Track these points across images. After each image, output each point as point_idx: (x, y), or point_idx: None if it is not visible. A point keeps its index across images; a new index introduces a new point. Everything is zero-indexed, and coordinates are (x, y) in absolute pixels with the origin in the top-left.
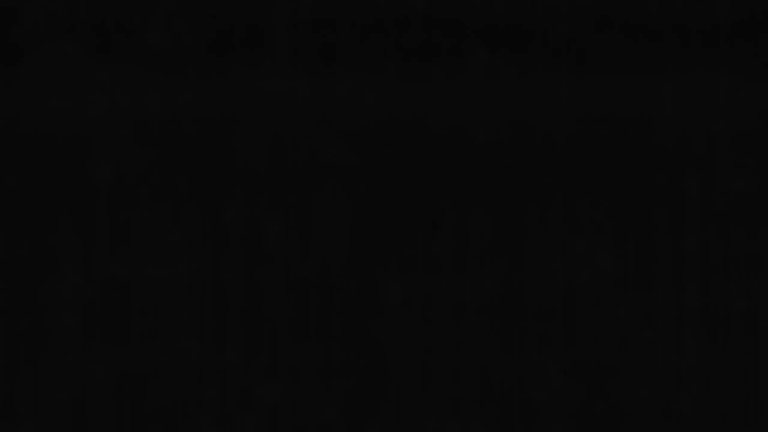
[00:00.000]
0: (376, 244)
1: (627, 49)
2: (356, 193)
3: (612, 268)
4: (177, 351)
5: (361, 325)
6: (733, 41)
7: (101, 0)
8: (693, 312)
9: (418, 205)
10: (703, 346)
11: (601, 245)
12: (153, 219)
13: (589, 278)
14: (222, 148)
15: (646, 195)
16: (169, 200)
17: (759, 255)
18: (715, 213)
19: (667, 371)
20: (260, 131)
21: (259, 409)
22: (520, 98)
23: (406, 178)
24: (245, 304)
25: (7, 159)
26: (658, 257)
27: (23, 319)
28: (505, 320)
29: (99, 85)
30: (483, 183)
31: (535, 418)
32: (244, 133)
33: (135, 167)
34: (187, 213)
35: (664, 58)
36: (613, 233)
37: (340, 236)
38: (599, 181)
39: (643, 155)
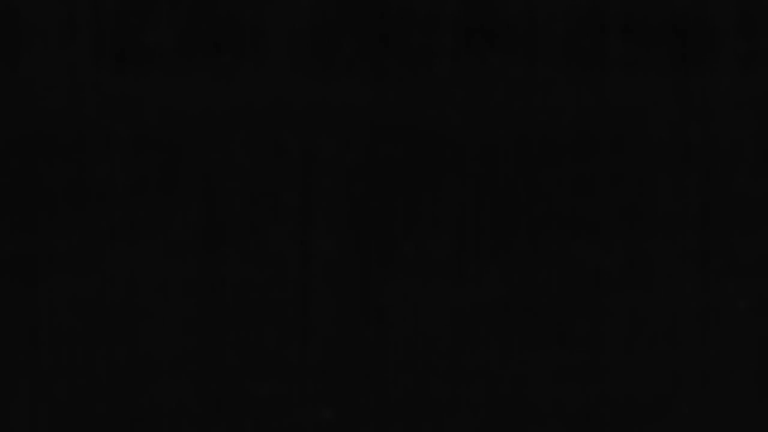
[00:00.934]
0: (376, 244)
1: (627, 49)
2: (356, 193)
3: (612, 268)
4: (176, 351)
5: (361, 326)
6: (732, 41)
7: (101, 0)
8: (693, 312)
9: (417, 205)
10: (702, 346)
11: (601, 245)
12: (152, 219)
13: (589, 278)
14: (221, 148)
15: (647, 195)
16: (169, 200)
17: (759, 255)
18: (715, 213)
19: (666, 371)
20: (260, 131)
21: (259, 409)
22: (519, 98)
23: (405, 178)
24: (245, 304)
25: (6, 158)
26: (658, 257)
27: (22, 319)
28: (505, 320)
29: (99, 85)
30: (483, 183)
31: (535, 418)
32: (244, 133)
33: (134, 167)
34: (187, 213)
35: (665, 58)
36: (613, 233)
37: (339, 236)
38: (598, 181)
39: (643, 155)
